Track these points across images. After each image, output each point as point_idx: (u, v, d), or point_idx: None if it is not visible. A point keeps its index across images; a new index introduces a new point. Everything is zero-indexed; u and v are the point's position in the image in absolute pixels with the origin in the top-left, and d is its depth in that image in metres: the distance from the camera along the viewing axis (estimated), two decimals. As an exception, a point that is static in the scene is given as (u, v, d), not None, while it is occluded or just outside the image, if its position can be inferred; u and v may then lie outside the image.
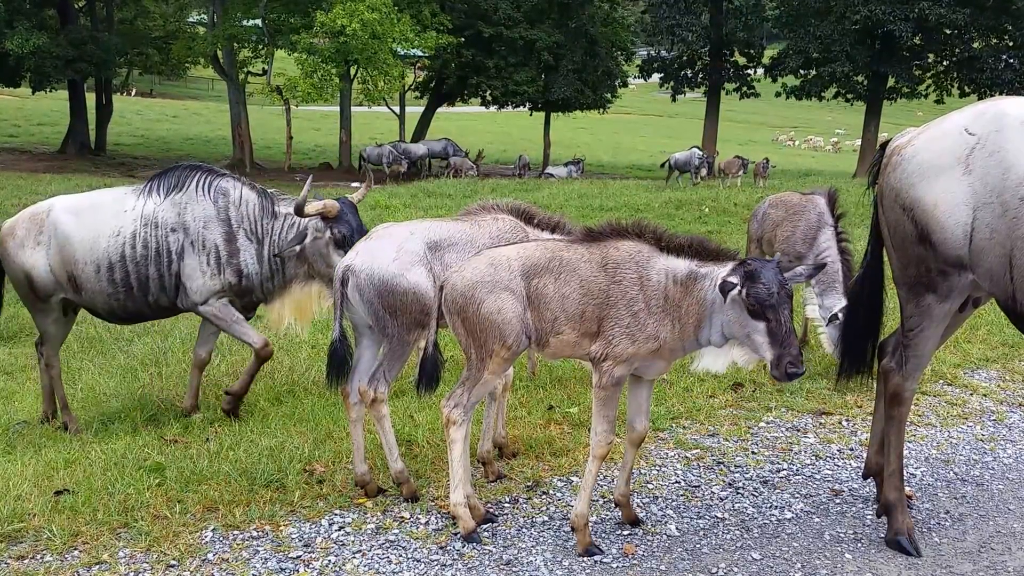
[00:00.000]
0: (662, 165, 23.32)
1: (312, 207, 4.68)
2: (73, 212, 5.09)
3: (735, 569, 3.42)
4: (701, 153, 22.80)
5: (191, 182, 5.02)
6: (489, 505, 3.82)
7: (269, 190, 5.17)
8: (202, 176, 5.05)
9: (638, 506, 3.87)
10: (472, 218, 3.97)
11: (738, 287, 3.06)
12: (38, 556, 3.36)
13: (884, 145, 3.74)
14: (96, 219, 5.04)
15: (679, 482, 4.20)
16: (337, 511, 3.75)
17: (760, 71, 33.44)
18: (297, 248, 4.83)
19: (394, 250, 3.72)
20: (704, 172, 21.85)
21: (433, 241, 3.79)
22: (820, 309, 5.74)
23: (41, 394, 5.53)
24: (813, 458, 4.56)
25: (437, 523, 3.68)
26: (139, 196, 5.07)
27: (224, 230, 4.97)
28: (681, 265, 3.27)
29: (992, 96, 25.29)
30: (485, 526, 3.64)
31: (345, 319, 3.85)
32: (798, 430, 4.95)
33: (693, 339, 3.28)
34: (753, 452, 4.60)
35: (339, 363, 3.79)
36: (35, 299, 5.24)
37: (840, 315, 5.33)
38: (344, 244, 4.62)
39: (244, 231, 4.98)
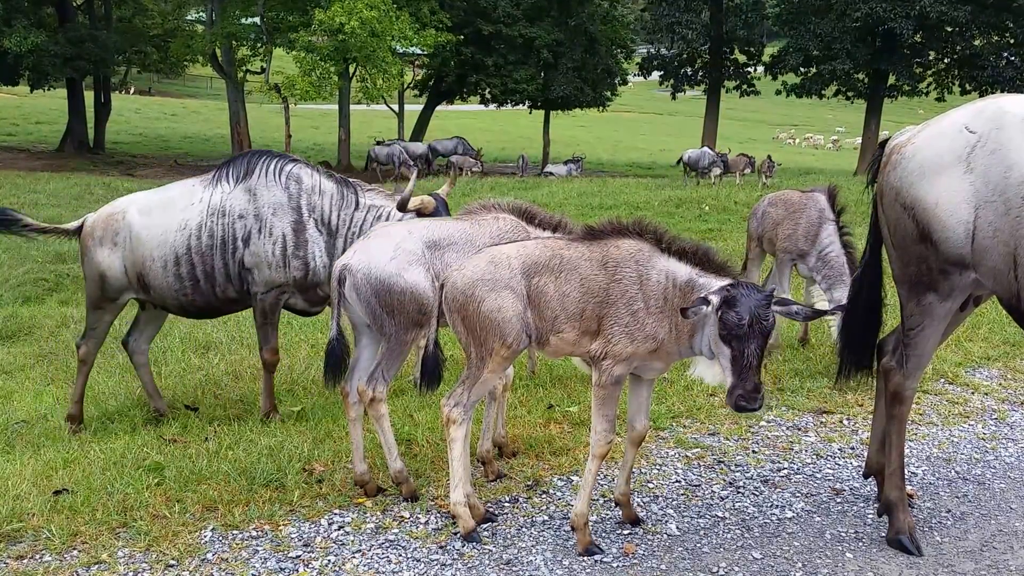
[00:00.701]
0: (677, 162, 23.16)
1: (412, 202, 4.54)
2: (145, 211, 5.02)
3: (736, 568, 3.41)
4: (713, 152, 22.61)
5: (261, 168, 4.88)
6: (489, 504, 3.81)
7: (352, 180, 5.01)
8: (273, 162, 4.91)
9: (638, 505, 3.86)
10: (472, 217, 3.96)
11: (712, 307, 3.01)
12: (37, 556, 3.35)
13: (883, 143, 3.73)
14: (165, 215, 4.95)
15: (679, 481, 4.19)
16: (336, 511, 3.73)
17: (760, 69, 33.43)
18: None
19: (392, 249, 3.71)
20: (718, 171, 21.60)
21: (432, 240, 3.78)
22: (829, 303, 5.74)
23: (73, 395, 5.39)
24: (814, 457, 4.55)
25: (437, 522, 3.67)
26: (207, 187, 4.97)
27: (294, 219, 4.80)
28: (683, 271, 3.26)
29: (993, 94, 25.30)
30: (485, 525, 3.63)
31: (344, 318, 3.84)
32: (799, 429, 4.94)
33: (688, 345, 3.27)
34: (754, 451, 4.59)
35: (336, 362, 3.78)
36: (102, 298, 5.16)
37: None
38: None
39: (315, 221, 4.81)
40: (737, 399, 2.98)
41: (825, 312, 3.50)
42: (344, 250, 4.69)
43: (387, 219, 4.72)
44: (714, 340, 3.08)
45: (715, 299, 3.01)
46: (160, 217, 4.97)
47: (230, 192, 4.88)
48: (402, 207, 4.54)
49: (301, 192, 4.84)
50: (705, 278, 3.22)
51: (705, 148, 23.28)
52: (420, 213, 4.57)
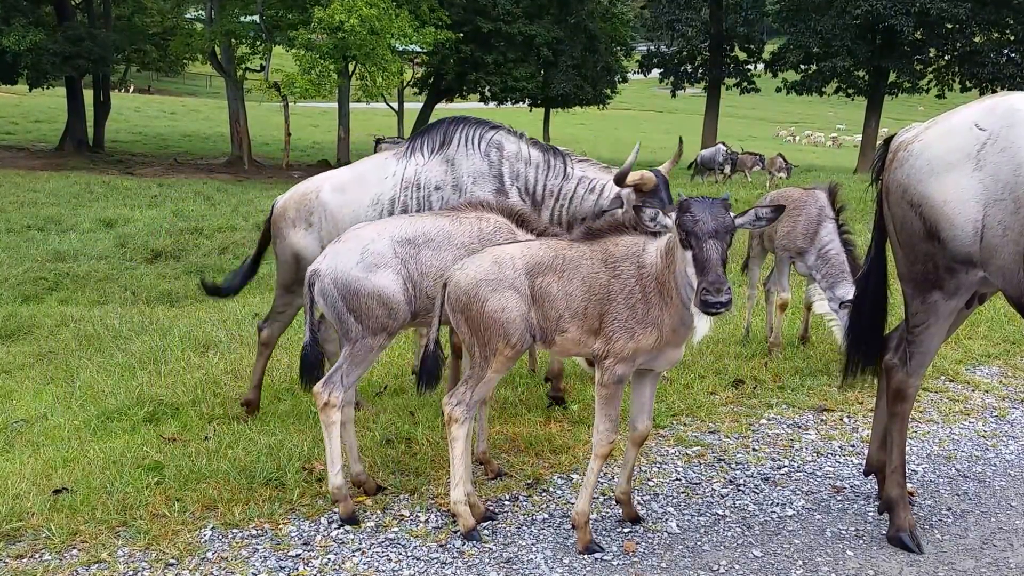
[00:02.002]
0: (690, 166, 22.89)
1: (631, 177, 4.37)
2: (339, 188, 4.81)
3: (736, 566, 3.40)
4: (726, 148, 22.49)
5: (458, 136, 4.66)
6: (489, 503, 3.81)
7: (561, 149, 4.77)
8: (471, 129, 4.67)
9: (639, 503, 3.86)
10: (454, 213, 3.85)
11: (673, 222, 3.05)
12: (37, 555, 3.35)
13: (888, 141, 3.70)
14: (359, 192, 4.74)
15: (680, 479, 4.18)
16: (336, 509, 3.73)
17: (760, 66, 33.40)
18: (620, 213, 4.40)
19: (359, 252, 3.62)
20: (728, 169, 21.50)
21: (405, 239, 3.67)
22: (831, 302, 5.73)
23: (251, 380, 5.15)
24: (814, 455, 4.55)
25: (437, 521, 3.66)
26: (400, 159, 4.77)
27: (496, 187, 4.57)
28: (665, 237, 3.26)
29: (993, 91, 25.22)
30: (485, 524, 3.63)
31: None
32: (799, 427, 4.93)
33: (679, 304, 3.20)
34: (754, 449, 4.58)
35: (311, 367, 3.71)
36: (296, 280, 4.86)
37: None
38: (652, 220, 4.42)
39: (519, 190, 4.59)
40: (701, 293, 2.93)
41: (778, 209, 3.31)
42: (551, 224, 4.48)
43: (600, 192, 4.55)
44: (681, 257, 3.07)
45: (673, 214, 3.07)
46: (354, 194, 4.74)
47: (425, 164, 4.67)
48: (619, 181, 4.36)
49: (503, 159, 4.62)
50: None
51: (719, 145, 23.10)
52: (639, 190, 4.41)
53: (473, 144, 4.64)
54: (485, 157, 4.63)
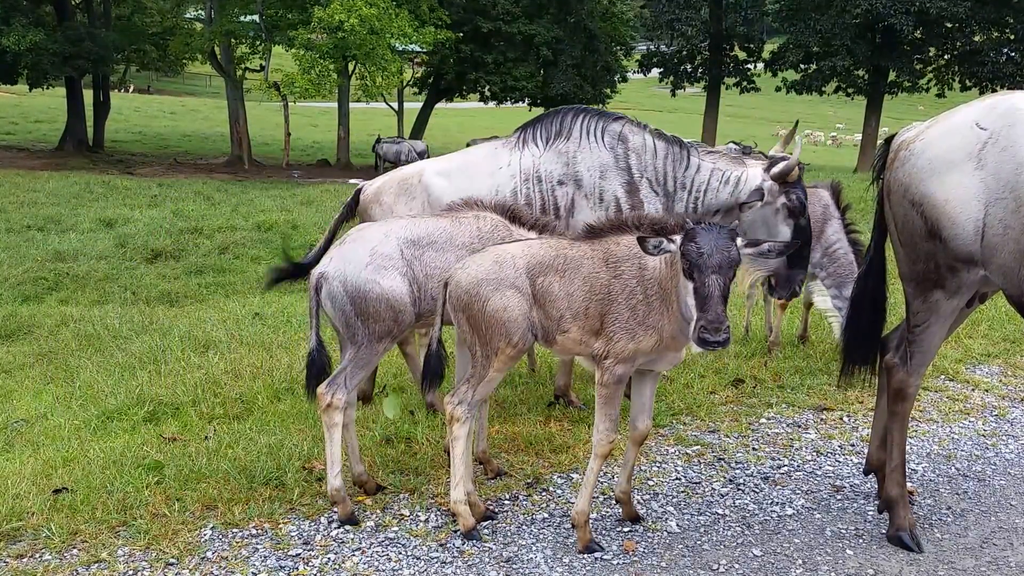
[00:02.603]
0: None
1: (779, 168, 4.27)
2: (444, 175, 4.67)
3: (736, 565, 3.40)
4: (737, 147, 22.43)
5: (578, 127, 4.49)
6: (489, 502, 3.81)
7: (686, 140, 4.61)
8: (590, 120, 4.50)
9: (639, 503, 3.86)
10: (453, 214, 3.84)
11: (675, 245, 3.03)
12: (37, 555, 3.35)
13: (889, 140, 3.70)
14: (468, 180, 4.58)
15: (680, 479, 4.18)
16: (336, 509, 3.73)
17: (760, 65, 33.38)
18: (758, 205, 4.32)
19: (367, 254, 3.60)
20: None
21: (410, 240, 3.66)
22: (836, 300, 5.71)
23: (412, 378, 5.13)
24: (814, 454, 4.55)
25: (437, 520, 3.66)
26: (513, 149, 4.61)
27: (625, 180, 4.41)
28: (672, 245, 3.24)
29: (993, 90, 25.20)
30: (485, 523, 3.63)
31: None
32: (799, 426, 4.93)
33: (679, 315, 3.20)
34: (754, 448, 4.58)
35: (318, 372, 3.67)
36: None
37: None
38: (796, 214, 4.30)
39: (648, 182, 4.43)
40: (699, 331, 2.93)
41: (794, 244, 3.34)
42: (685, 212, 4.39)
43: (736, 184, 4.42)
44: (683, 284, 3.06)
45: (678, 238, 3.04)
46: (462, 182, 4.58)
47: (541, 155, 4.50)
48: (783, 176, 4.25)
49: (629, 152, 4.46)
50: None
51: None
52: (784, 181, 4.31)
53: (595, 136, 4.47)
54: (610, 150, 4.47)
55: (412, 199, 4.67)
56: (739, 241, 3.05)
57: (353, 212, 4.94)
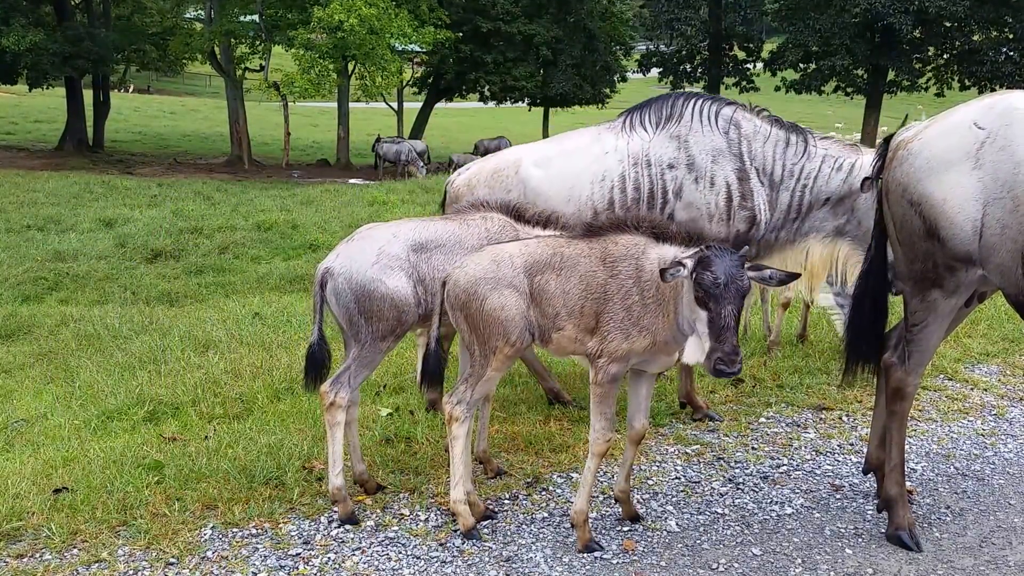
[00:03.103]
0: None
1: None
2: (542, 164, 4.56)
3: (735, 565, 3.41)
4: None
5: (689, 111, 4.39)
6: (489, 502, 3.81)
7: (802, 127, 4.47)
8: (702, 104, 4.41)
9: (638, 502, 3.86)
10: (461, 217, 3.86)
11: (687, 270, 3.00)
12: (37, 554, 3.35)
13: (887, 139, 3.71)
14: (571, 167, 4.48)
15: (679, 478, 4.19)
16: (336, 509, 3.73)
17: (759, 65, 33.41)
18: (864, 196, 4.18)
19: (375, 253, 3.61)
20: None
21: (418, 242, 3.68)
22: (839, 296, 5.70)
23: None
24: (813, 453, 4.55)
25: (437, 520, 3.67)
26: (618, 134, 4.50)
27: (737, 167, 4.29)
28: (670, 252, 3.24)
29: (992, 89, 25.21)
30: (485, 523, 3.63)
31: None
32: (798, 425, 4.94)
33: (675, 327, 3.22)
34: (753, 448, 4.59)
35: (317, 367, 3.69)
36: None
37: None
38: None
39: (756, 170, 4.32)
40: (716, 362, 2.93)
41: (797, 275, 3.35)
42: (791, 206, 4.31)
43: (849, 171, 4.29)
44: (691, 306, 3.05)
45: (689, 262, 3.01)
46: (564, 170, 4.48)
47: (651, 139, 4.40)
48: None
49: (741, 138, 4.35)
50: (687, 252, 3.18)
51: None
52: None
53: (709, 120, 4.36)
54: (723, 134, 4.35)
55: (507, 192, 4.53)
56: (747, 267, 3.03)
57: (444, 208, 4.84)
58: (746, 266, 3.01)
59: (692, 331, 3.11)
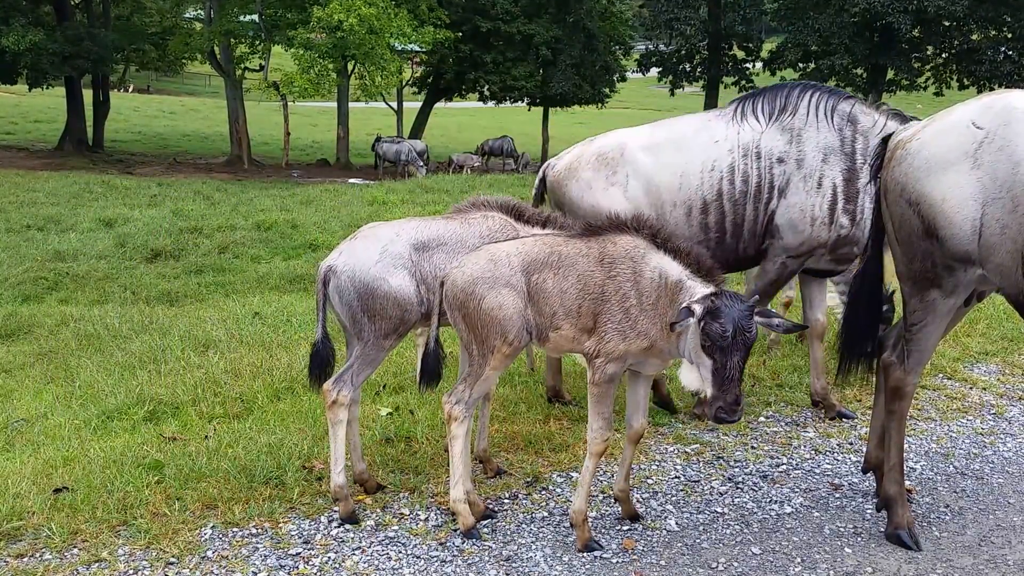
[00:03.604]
0: None
1: None
2: (651, 148, 4.46)
3: (735, 564, 3.41)
4: None
5: (805, 104, 4.22)
6: (489, 501, 3.82)
7: (910, 115, 4.24)
8: (819, 97, 4.23)
9: (638, 501, 3.87)
10: (462, 216, 3.87)
11: (695, 318, 2.98)
12: (37, 554, 3.36)
13: (886, 139, 3.71)
14: (681, 153, 4.35)
15: (679, 477, 4.19)
16: (336, 508, 3.74)
17: (759, 65, 33.40)
18: None
19: (378, 252, 3.63)
20: None
21: (420, 241, 3.69)
22: (844, 296, 5.71)
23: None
24: (813, 452, 4.56)
25: (437, 519, 3.67)
26: (730, 123, 4.37)
27: (846, 166, 4.13)
28: (674, 270, 3.24)
29: (991, 88, 25.17)
30: (485, 522, 3.64)
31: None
32: (797, 425, 4.94)
33: (676, 345, 3.22)
34: (752, 447, 4.59)
35: (322, 364, 3.70)
36: None
37: None
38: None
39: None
40: (717, 411, 2.95)
41: (804, 327, 3.37)
42: None
43: None
44: (695, 350, 3.05)
45: (698, 309, 2.98)
46: (674, 156, 4.35)
47: (763, 131, 4.25)
48: None
49: (856, 135, 4.17)
50: (693, 281, 3.18)
51: None
52: None
53: (825, 115, 4.18)
54: (838, 131, 4.18)
55: (613, 174, 4.44)
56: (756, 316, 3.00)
57: (542, 196, 4.75)
58: (755, 314, 2.98)
59: (693, 362, 3.11)
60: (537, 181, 4.92)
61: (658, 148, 4.47)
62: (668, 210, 4.36)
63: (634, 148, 4.51)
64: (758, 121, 4.30)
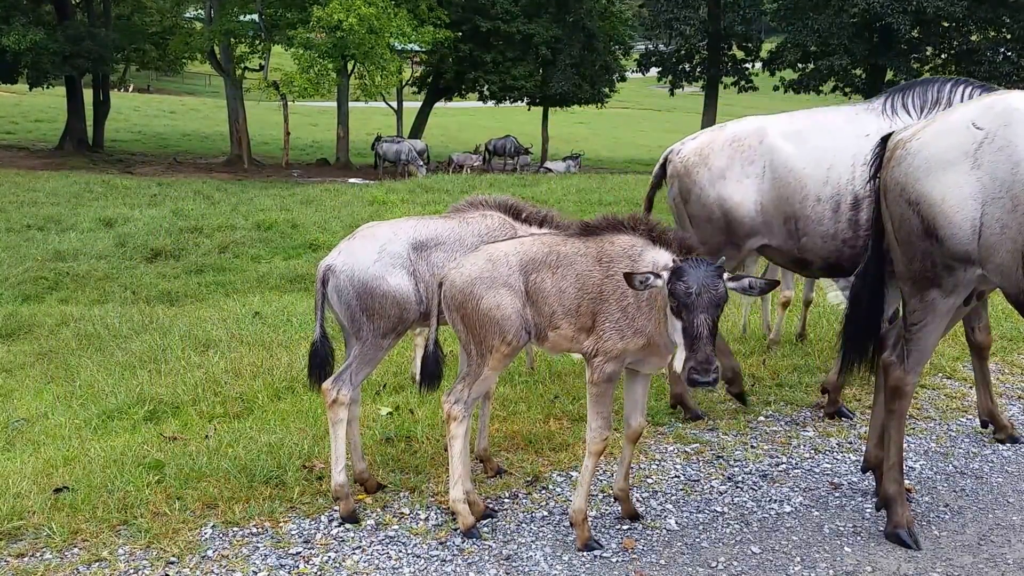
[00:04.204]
0: None
1: None
2: (793, 138, 4.26)
3: (735, 563, 3.42)
4: None
5: (958, 98, 4.07)
6: (488, 500, 3.82)
7: None
8: (972, 92, 4.10)
9: (638, 501, 3.87)
10: (460, 215, 3.87)
11: (663, 281, 3.00)
12: (37, 554, 3.36)
13: (885, 139, 3.72)
14: (827, 145, 4.16)
15: (678, 476, 4.20)
16: (337, 507, 3.74)
17: (758, 65, 33.40)
18: None
19: (376, 251, 3.63)
20: None
21: (419, 241, 3.69)
22: (844, 291, 5.72)
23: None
24: (812, 452, 4.56)
25: (437, 519, 3.68)
26: (880, 116, 4.19)
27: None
28: (664, 258, 3.24)
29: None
30: (485, 521, 3.64)
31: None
32: (797, 424, 4.95)
33: (666, 335, 3.21)
34: (752, 446, 4.60)
35: (320, 364, 3.70)
36: (726, 241, 4.37)
37: None
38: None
39: None
40: (689, 372, 2.93)
41: (777, 283, 3.30)
42: None
43: None
44: (670, 317, 3.05)
45: (665, 273, 3.01)
46: (818, 146, 4.16)
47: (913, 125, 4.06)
48: None
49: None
50: (679, 259, 3.17)
51: None
52: None
53: None
54: None
55: (750, 163, 4.27)
56: (725, 276, 3.01)
57: (661, 180, 4.59)
58: (724, 276, 3.00)
59: (673, 337, 3.10)
60: (657, 167, 4.71)
61: (801, 137, 4.25)
62: (811, 204, 4.17)
63: (773, 134, 4.30)
64: (909, 115, 4.14)
